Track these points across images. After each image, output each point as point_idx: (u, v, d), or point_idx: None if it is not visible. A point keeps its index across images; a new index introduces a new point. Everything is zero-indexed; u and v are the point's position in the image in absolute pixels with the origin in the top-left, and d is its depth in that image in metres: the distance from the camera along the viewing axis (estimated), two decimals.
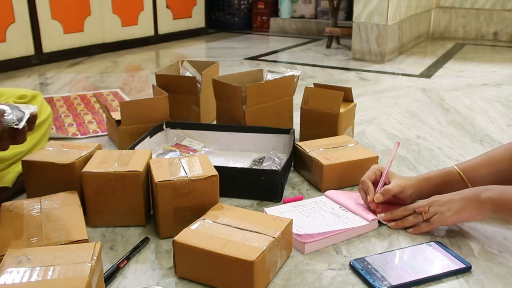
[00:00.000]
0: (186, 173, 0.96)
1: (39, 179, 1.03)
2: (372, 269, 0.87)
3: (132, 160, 1.02)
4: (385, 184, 1.04)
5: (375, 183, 1.04)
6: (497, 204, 0.91)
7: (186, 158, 1.04)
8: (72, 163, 1.01)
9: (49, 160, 1.02)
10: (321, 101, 1.40)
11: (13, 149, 1.13)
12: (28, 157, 1.04)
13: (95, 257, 0.74)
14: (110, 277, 0.85)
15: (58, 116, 1.76)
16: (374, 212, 1.02)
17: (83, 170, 0.98)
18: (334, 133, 1.36)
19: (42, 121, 1.23)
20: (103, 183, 0.97)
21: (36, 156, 1.05)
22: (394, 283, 0.83)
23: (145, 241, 0.95)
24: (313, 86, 1.46)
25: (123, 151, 1.08)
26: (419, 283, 0.83)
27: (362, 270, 0.86)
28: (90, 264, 0.73)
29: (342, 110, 1.37)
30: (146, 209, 1.03)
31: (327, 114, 1.38)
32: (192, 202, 0.95)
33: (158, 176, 0.95)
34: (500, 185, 0.95)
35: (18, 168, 1.12)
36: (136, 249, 0.92)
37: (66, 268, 0.72)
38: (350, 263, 0.89)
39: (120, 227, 1.01)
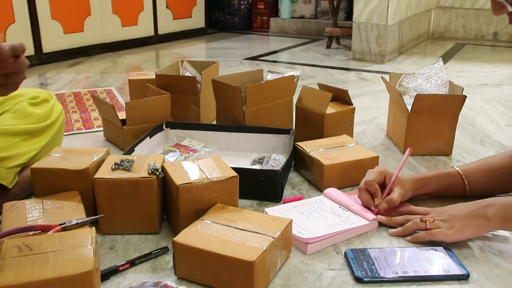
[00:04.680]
0: (206, 175, 0.95)
1: (49, 187, 0.98)
2: (364, 260, 0.87)
3: (145, 166, 0.99)
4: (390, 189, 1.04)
5: (379, 186, 1.04)
6: (504, 219, 0.91)
7: (200, 160, 1.03)
8: (86, 169, 0.97)
9: (61, 166, 0.98)
10: (312, 100, 1.40)
11: (26, 147, 1.13)
12: (37, 164, 1.00)
13: (94, 241, 0.77)
14: (105, 275, 0.84)
15: (66, 112, 1.77)
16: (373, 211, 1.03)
17: (95, 176, 0.95)
18: (321, 134, 1.36)
19: (53, 121, 1.23)
20: (115, 189, 0.94)
21: (46, 162, 1.00)
22: (376, 275, 0.83)
23: (162, 249, 0.92)
24: (311, 86, 1.46)
25: (135, 156, 1.05)
26: (405, 281, 0.83)
27: (352, 259, 0.87)
28: (91, 247, 0.74)
29: (331, 111, 1.37)
30: (160, 216, 1.01)
31: (315, 113, 1.38)
32: (212, 204, 0.94)
33: (178, 179, 0.93)
34: (500, 198, 0.94)
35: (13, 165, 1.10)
36: (147, 256, 0.90)
37: (69, 252, 0.74)
38: (345, 251, 0.90)
39: (132, 234, 0.99)
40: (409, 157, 1.38)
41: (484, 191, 1.11)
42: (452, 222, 0.93)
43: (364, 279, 0.83)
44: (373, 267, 0.86)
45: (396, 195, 1.02)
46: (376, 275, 0.84)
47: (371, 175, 1.05)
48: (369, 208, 1.03)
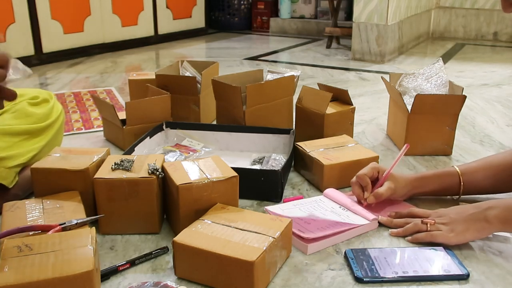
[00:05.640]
0: (206, 175, 0.95)
1: (49, 187, 0.98)
2: (364, 260, 0.87)
3: (145, 166, 0.98)
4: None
5: (371, 181, 1.05)
6: (505, 221, 0.90)
7: (200, 160, 1.03)
8: (86, 169, 0.97)
9: (61, 166, 0.98)
10: (312, 100, 1.40)
11: (26, 147, 1.13)
12: (37, 164, 0.99)
13: (94, 241, 0.77)
14: (105, 275, 0.84)
15: (66, 112, 1.77)
16: (372, 209, 1.03)
17: (95, 176, 0.95)
18: (321, 134, 1.36)
19: (52, 121, 1.23)
20: (115, 189, 0.94)
21: (46, 162, 1.00)
22: (376, 275, 0.83)
23: (162, 249, 0.92)
24: (311, 86, 1.46)
25: (135, 156, 1.05)
26: (405, 281, 0.83)
27: (352, 259, 0.87)
28: (91, 247, 0.74)
29: (331, 111, 1.37)
30: (160, 216, 1.01)
31: (315, 113, 1.38)
32: (212, 204, 0.94)
33: (178, 179, 0.93)
34: (501, 200, 0.94)
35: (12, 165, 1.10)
36: (147, 256, 0.90)
37: (69, 252, 0.74)
38: (345, 251, 0.90)
39: (132, 234, 0.99)
40: (409, 157, 1.38)
41: (485, 191, 1.11)
42: (453, 225, 0.93)
43: (364, 279, 0.83)
44: (373, 267, 0.85)
45: (383, 189, 1.03)
46: (376, 275, 0.84)
47: (364, 170, 1.06)
48: (360, 202, 1.05)
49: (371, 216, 1.00)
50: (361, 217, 1.00)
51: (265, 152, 1.37)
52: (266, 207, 1.05)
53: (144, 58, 3.02)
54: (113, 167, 0.98)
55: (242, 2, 4.19)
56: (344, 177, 1.17)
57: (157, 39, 3.54)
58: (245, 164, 1.31)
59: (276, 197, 1.12)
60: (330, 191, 1.11)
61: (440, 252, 0.90)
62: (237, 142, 1.40)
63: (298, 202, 1.07)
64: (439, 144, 1.39)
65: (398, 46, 3.05)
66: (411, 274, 0.84)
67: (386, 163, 1.35)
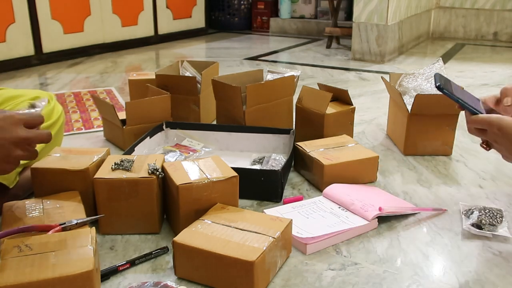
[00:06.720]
0: (206, 175, 0.95)
1: (49, 187, 0.98)
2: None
3: (145, 166, 0.99)
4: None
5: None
6: None
7: (200, 160, 1.03)
8: (86, 169, 0.97)
9: (61, 166, 0.98)
10: (312, 100, 1.40)
11: None
12: (37, 164, 0.99)
13: (94, 241, 0.77)
14: (105, 275, 0.84)
15: (66, 112, 1.77)
16: (371, 205, 1.03)
17: (95, 176, 0.95)
18: (321, 134, 1.36)
19: (53, 122, 1.23)
20: (115, 189, 0.94)
21: (46, 163, 1.00)
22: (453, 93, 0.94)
23: (162, 249, 0.92)
24: (311, 86, 1.46)
25: (135, 156, 1.05)
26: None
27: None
28: (91, 247, 0.74)
29: (331, 111, 1.37)
30: (160, 216, 1.01)
31: (315, 113, 1.38)
32: (212, 204, 0.94)
33: (178, 179, 0.93)
34: None
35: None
36: (147, 256, 0.90)
37: (69, 252, 0.75)
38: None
39: (132, 234, 0.99)
40: (409, 157, 1.39)
41: None
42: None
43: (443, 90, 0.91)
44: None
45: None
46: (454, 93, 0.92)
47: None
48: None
49: (370, 215, 1.00)
50: (361, 217, 1.00)
51: (265, 152, 1.38)
52: (264, 210, 1.05)
53: (144, 58, 3.02)
54: (113, 167, 0.98)
55: (242, 2, 4.19)
56: (344, 177, 1.17)
57: (157, 39, 3.54)
58: (245, 164, 1.31)
59: (276, 197, 1.12)
60: (330, 189, 1.11)
61: None
62: (237, 142, 1.40)
63: (296, 205, 1.07)
64: (439, 144, 1.39)
65: (398, 46, 3.05)
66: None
67: (387, 163, 1.35)
